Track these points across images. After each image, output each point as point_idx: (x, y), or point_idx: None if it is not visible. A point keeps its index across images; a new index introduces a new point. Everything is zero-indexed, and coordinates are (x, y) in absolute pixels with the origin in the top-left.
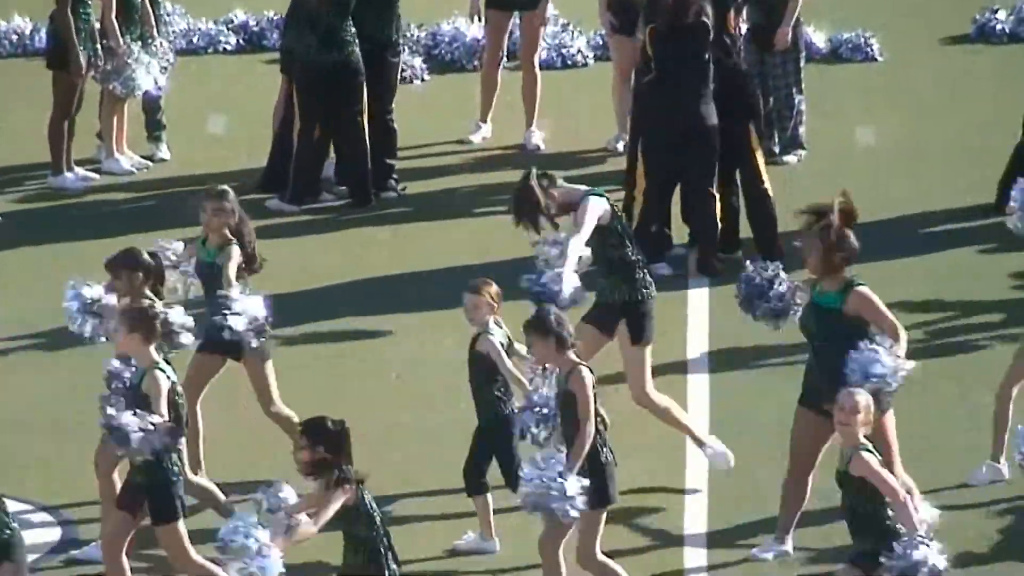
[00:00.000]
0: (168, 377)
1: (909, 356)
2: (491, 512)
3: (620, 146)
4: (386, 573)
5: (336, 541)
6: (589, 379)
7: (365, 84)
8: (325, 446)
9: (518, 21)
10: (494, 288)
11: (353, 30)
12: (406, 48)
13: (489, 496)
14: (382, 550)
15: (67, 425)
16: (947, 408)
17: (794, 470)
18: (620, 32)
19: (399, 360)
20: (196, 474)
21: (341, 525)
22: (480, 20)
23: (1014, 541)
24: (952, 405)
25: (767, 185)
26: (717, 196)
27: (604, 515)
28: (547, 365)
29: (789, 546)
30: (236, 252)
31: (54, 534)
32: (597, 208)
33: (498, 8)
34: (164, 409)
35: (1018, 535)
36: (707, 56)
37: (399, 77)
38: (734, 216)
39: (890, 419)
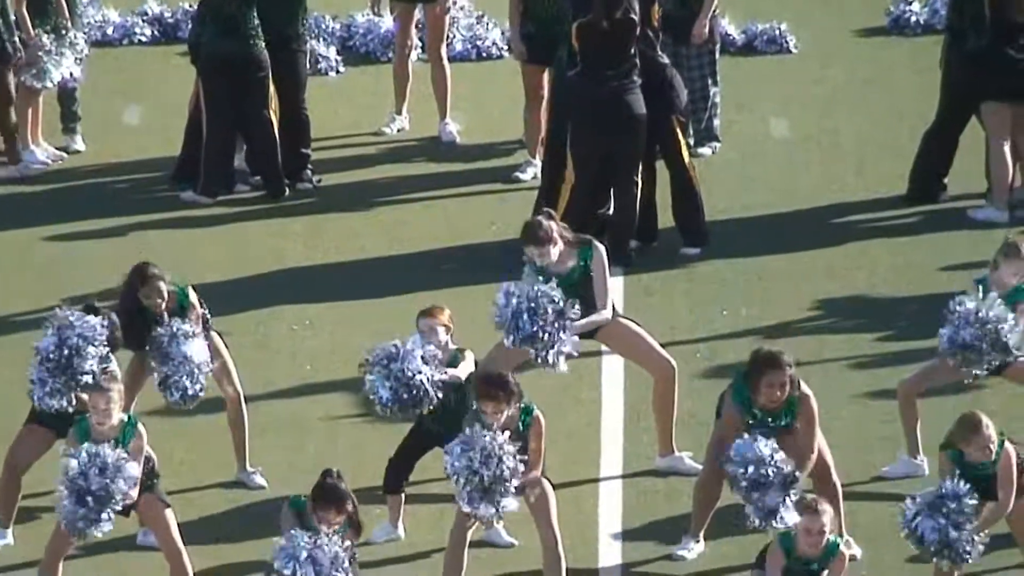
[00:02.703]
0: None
1: (821, 348)
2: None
3: (528, 174)
4: None
5: None
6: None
7: (270, 77)
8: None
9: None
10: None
11: (257, 22)
12: (321, 39)
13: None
14: None
15: None
16: (861, 400)
17: (710, 472)
18: (532, 62)
19: (313, 350)
20: None
21: None
22: (381, 12)
23: None
24: (866, 397)
25: (693, 175)
26: (639, 183)
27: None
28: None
29: (702, 543)
30: None
31: None
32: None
33: (401, 0)
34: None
35: None
36: (633, 51)
37: (312, 68)
38: (652, 206)
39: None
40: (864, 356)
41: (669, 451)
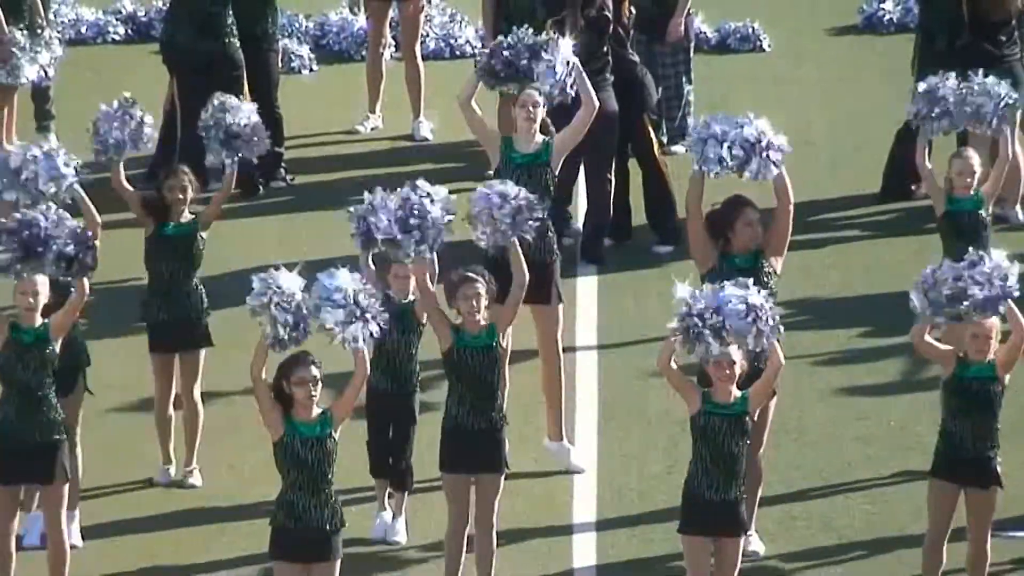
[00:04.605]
0: None
1: (795, 347)
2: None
3: None
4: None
5: None
6: None
7: (244, 76)
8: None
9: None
10: None
11: (232, 20)
12: (295, 38)
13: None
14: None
15: None
16: (835, 399)
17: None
18: None
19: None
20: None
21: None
22: (360, 10)
23: (897, 529)
24: (840, 395)
25: (666, 173)
26: (612, 182)
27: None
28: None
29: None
30: None
31: None
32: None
33: None
34: None
35: (901, 523)
36: (606, 49)
37: (284, 67)
38: (625, 204)
39: (772, 404)
40: (838, 354)
41: (558, 438)
